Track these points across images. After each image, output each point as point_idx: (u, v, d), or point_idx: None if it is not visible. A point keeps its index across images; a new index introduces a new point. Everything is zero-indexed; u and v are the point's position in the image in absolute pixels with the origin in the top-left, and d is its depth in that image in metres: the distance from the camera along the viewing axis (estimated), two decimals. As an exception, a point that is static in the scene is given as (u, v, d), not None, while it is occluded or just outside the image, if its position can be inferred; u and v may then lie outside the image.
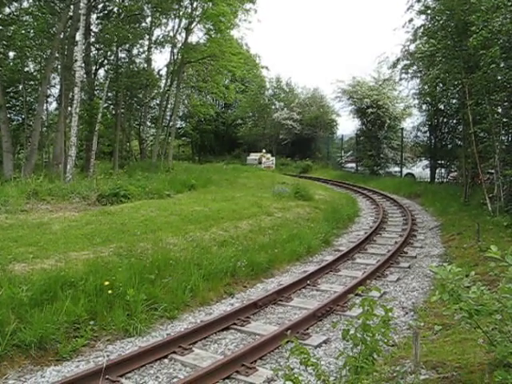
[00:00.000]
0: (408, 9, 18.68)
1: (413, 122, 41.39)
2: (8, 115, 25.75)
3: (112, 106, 36.60)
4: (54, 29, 25.20)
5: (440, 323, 7.33)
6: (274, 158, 48.09)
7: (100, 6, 31.57)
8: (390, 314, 4.34)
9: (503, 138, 17.96)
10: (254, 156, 48.82)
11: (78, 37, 22.80)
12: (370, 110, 37.06)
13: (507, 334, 4.25)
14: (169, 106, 38.36)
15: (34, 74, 29.74)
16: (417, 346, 4.93)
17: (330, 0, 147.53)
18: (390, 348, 6.34)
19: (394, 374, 5.07)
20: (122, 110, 34.21)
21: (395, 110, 38.38)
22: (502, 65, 15.46)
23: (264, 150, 49.54)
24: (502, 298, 4.12)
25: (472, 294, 4.23)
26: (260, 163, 46.80)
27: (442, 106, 28.54)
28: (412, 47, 22.14)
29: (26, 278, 7.69)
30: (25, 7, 27.08)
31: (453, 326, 6.97)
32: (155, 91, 38.36)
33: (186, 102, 46.01)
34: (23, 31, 24.39)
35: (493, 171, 17.46)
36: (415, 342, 4.93)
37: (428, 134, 31.54)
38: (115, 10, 31.27)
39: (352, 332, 4.26)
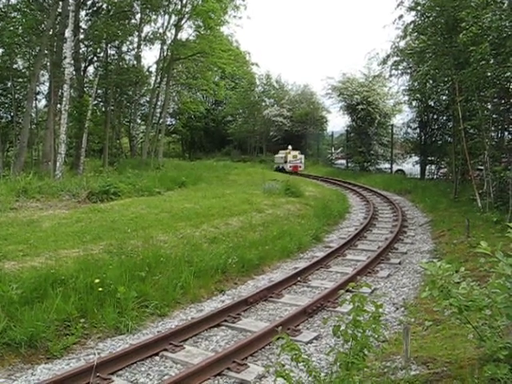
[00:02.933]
0: (398, 5, 18.71)
1: (403, 118, 41.63)
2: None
3: (102, 103, 36.56)
4: (42, 25, 25.08)
5: (430, 319, 7.35)
6: (302, 156, 42.92)
7: (89, 3, 31.48)
8: (380, 309, 4.34)
9: (493, 134, 18.06)
10: (282, 154, 43.35)
11: (67, 33, 22.72)
12: (360, 107, 37.16)
13: (497, 329, 4.27)
14: (159, 102, 38.38)
15: (23, 71, 29.66)
16: (407, 341, 4.96)
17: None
18: (380, 344, 6.36)
19: (385, 370, 5.08)
20: (112, 107, 34.15)
21: (385, 107, 38.53)
22: (491, 61, 15.49)
23: (290, 147, 43.80)
24: (492, 293, 4.14)
25: (462, 290, 4.24)
26: (286, 162, 42.08)
27: (431, 103, 28.67)
28: (402, 44, 22.22)
29: (16, 276, 7.65)
30: (13, 3, 26.96)
31: (443, 321, 6.99)
32: (145, 88, 38.35)
33: (175, 98, 46.04)
34: (11, 28, 24.27)
35: (482, 167, 17.53)
36: (406, 338, 4.95)
37: (418, 131, 31.70)
38: (104, 6, 31.17)
39: (343, 328, 4.27)
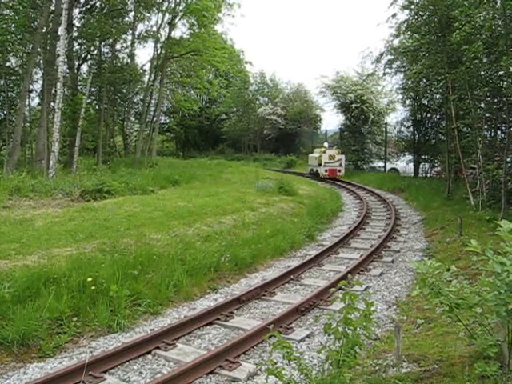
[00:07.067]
0: (391, 4, 18.74)
1: (396, 117, 41.84)
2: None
3: (95, 102, 36.34)
4: (35, 23, 24.94)
5: (422, 317, 7.40)
6: (342, 157, 33.73)
7: (82, 0, 31.32)
8: (372, 307, 4.37)
9: (485, 132, 18.12)
10: (316, 154, 34.93)
11: (61, 31, 22.63)
12: (353, 105, 37.24)
13: (487, 327, 4.31)
14: (152, 101, 38.28)
15: (16, 68, 29.45)
16: (399, 339, 4.98)
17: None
18: (372, 342, 6.39)
19: (376, 368, 5.11)
20: (106, 106, 33.99)
21: (379, 105, 38.65)
22: (484, 60, 15.57)
23: (326, 144, 35.91)
24: (482, 291, 4.17)
25: (452, 288, 4.27)
26: (320, 165, 33.42)
27: (425, 101, 28.82)
28: (396, 42, 22.26)
29: (9, 274, 7.64)
30: (5, 1, 26.79)
31: (435, 319, 7.04)
32: (139, 86, 38.20)
33: (169, 97, 45.85)
34: (4, 25, 24.16)
35: (475, 166, 17.60)
36: (397, 336, 4.97)
37: (411, 129, 31.85)
38: (98, 4, 31.07)
39: (334, 326, 4.29)
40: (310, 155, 36.30)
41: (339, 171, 33.10)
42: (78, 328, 7.20)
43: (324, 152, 33.10)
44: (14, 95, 28.45)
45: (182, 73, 40.96)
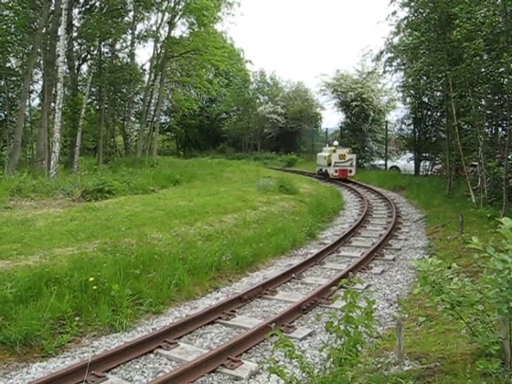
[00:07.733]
0: (392, 1, 18.74)
1: (397, 114, 41.90)
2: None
3: (96, 102, 36.34)
4: (35, 24, 24.95)
5: (424, 315, 7.39)
6: (353, 157, 31.61)
7: (82, 1, 31.31)
8: (373, 305, 4.37)
9: (486, 130, 18.12)
10: (326, 153, 32.59)
11: (60, 32, 22.63)
12: (354, 103, 37.20)
13: (488, 325, 4.31)
14: (153, 100, 38.24)
15: (16, 69, 29.45)
16: (400, 337, 4.98)
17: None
18: (374, 340, 6.39)
19: (378, 366, 5.10)
20: (106, 106, 33.98)
21: (379, 103, 38.57)
22: (485, 57, 15.55)
23: (336, 143, 33.94)
24: (484, 288, 4.17)
25: (454, 286, 4.27)
26: (330, 165, 31.32)
27: (425, 99, 28.79)
28: (396, 40, 22.28)
29: (11, 274, 7.65)
30: (5, 1, 26.78)
31: (436, 317, 7.03)
32: (139, 86, 38.15)
33: (169, 96, 45.82)
34: (4, 26, 24.16)
35: (476, 163, 17.58)
36: (399, 334, 4.98)
37: (412, 127, 31.84)
38: (97, 4, 31.06)
39: (335, 324, 4.29)
40: (319, 154, 34.34)
41: (350, 171, 31.21)
42: (80, 328, 7.21)
43: (334, 151, 31.03)
44: (14, 96, 28.44)
45: (182, 72, 40.94)
